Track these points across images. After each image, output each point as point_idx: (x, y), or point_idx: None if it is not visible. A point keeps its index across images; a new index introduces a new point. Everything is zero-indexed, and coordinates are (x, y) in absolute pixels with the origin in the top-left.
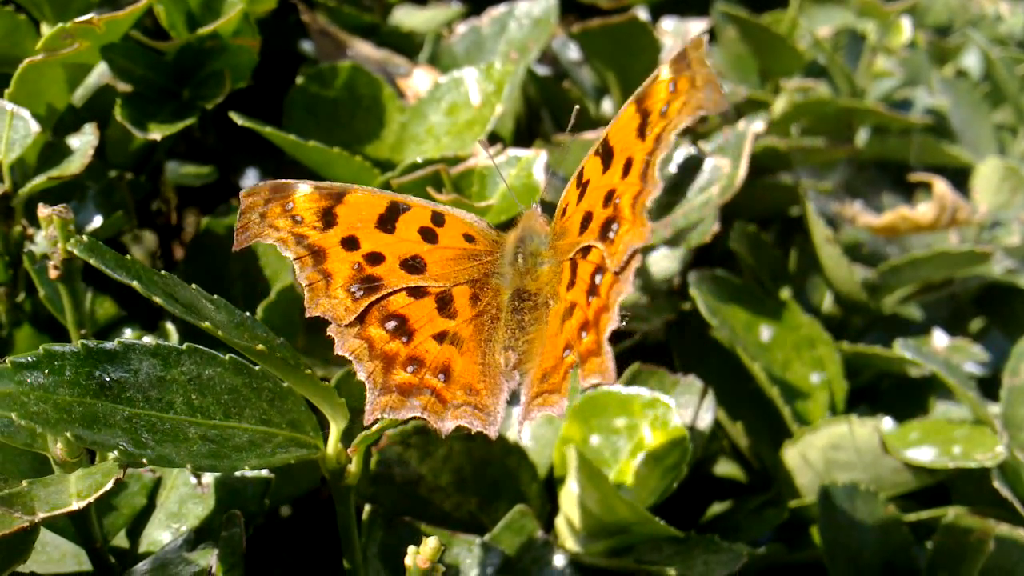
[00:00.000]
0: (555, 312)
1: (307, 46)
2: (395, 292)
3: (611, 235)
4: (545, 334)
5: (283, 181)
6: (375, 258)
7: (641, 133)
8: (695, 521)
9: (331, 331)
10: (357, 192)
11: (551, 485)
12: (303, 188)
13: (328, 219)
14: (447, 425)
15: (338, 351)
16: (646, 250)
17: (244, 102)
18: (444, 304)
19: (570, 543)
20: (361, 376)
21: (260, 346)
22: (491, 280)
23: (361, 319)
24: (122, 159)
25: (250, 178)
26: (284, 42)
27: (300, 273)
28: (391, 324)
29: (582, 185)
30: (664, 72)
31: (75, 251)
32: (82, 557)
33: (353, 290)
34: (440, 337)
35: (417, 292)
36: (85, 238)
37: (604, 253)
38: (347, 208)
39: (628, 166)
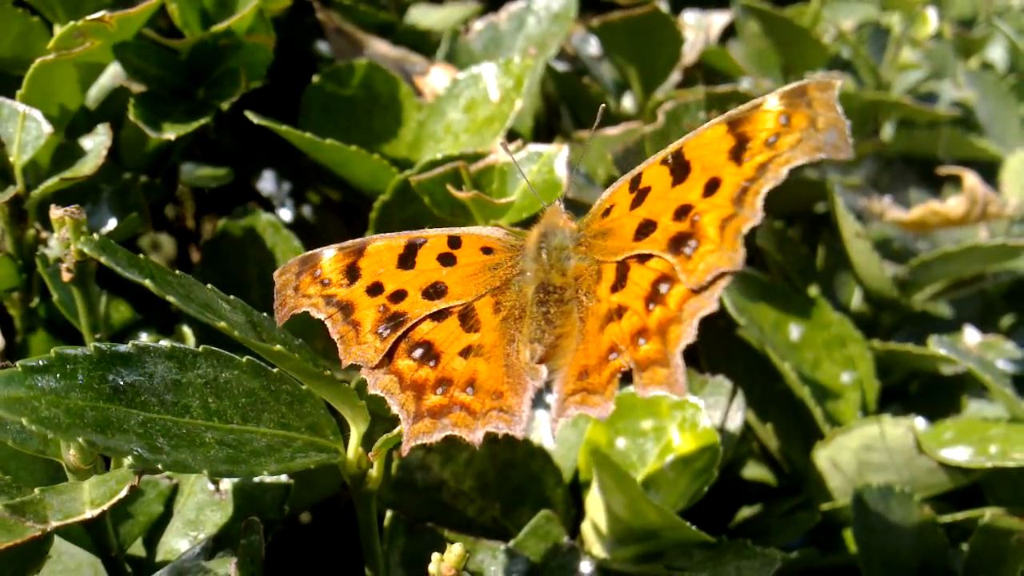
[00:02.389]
0: (594, 311)
1: (323, 47)
2: (419, 322)
3: (687, 251)
4: (580, 331)
5: (310, 253)
6: (398, 296)
7: (736, 158)
8: (724, 526)
9: (363, 374)
10: (376, 242)
11: (576, 490)
12: (328, 253)
13: (352, 274)
14: (477, 436)
15: (371, 391)
16: None
17: (260, 103)
18: (466, 318)
19: (597, 549)
20: (395, 409)
21: (278, 347)
22: (512, 282)
23: (389, 356)
24: (137, 161)
25: (267, 180)
26: (300, 43)
27: (332, 330)
28: (418, 352)
29: (639, 191)
30: (772, 103)
31: (86, 249)
32: (98, 566)
33: (381, 331)
34: (465, 352)
35: (439, 315)
36: (96, 236)
37: (676, 266)
38: (368, 259)
39: (714, 186)
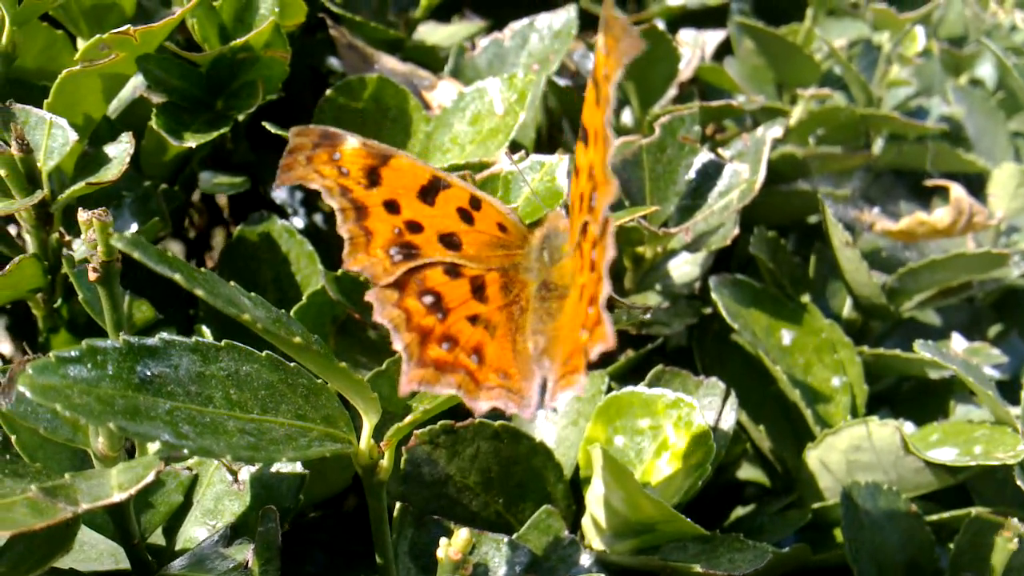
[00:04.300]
0: (571, 299)
1: (335, 62)
2: (432, 266)
3: (593, 204)
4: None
5: (332, 129)
6: (415, 226)
7: (597, 101)
8: (719, 524)
9: (369, 296)
10: (402, 158)
11: (576, 485)
12: (351, 141)
13: (373, 178)
14: (481, 405)
15: (376, 317)
16: (669, 255)
17: (274, 114)
18: (477, 288)
19: (596, 542)
20: (398, 346)
21: (297, 339)
22: (519, 271)
23: (400, 288)
24: (156, 169)
25: (280, 188)
26: (313, 58)
27: (342, 225)
28: (428, 299)
29: (576, 171)
30: (600, 39)
31: (119, 245)
32: (119, 555)
33: (392, 253)
34: (473, 319)
35: (453, 271)
36: (128, 233)
37: (590, 222)
38: (391, 172)
39: (595, 136)
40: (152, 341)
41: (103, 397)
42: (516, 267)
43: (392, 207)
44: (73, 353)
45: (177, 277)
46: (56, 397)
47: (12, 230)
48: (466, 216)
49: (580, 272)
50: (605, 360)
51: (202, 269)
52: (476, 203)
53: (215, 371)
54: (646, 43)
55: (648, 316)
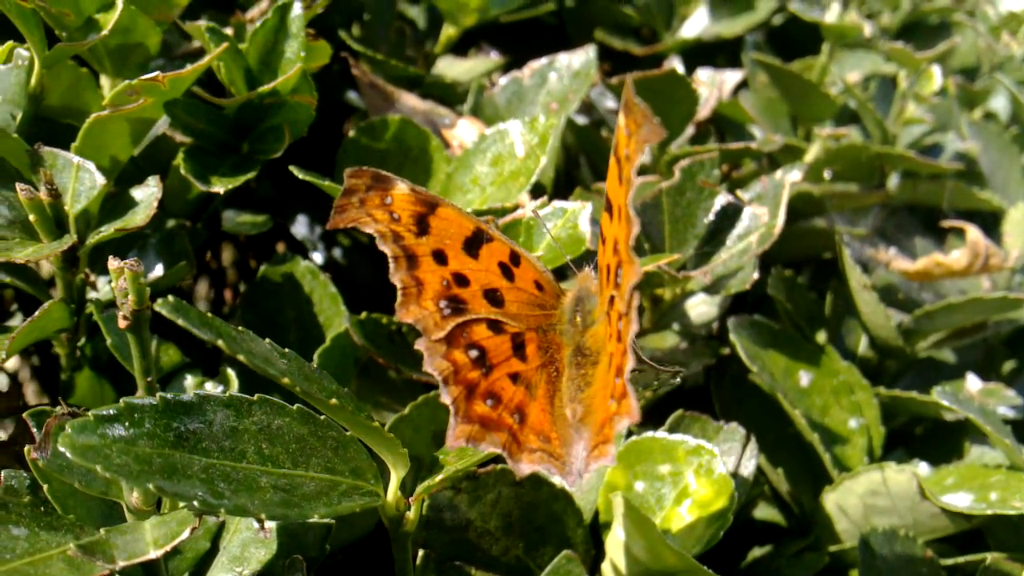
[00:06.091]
0: (602, 366)
1: (352, 95)
2: (478, 321)
3: (619, 280)
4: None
5: (384, 173)
6: (461, 279)
7: (620, 178)
8: (735, 565)
9: (420, 345)
10: (448, 207)
11: (596, 530)
12: (401, 186)
13: (422, 226)
14: (524, 468)
15: (426, 368)
16: (686, 295)
17: (293, 149)
18: (518, 346)
19: None
20: (446, 399)
21: (334, 400)
22: (555, 333)
23: (448, 341)
24: (180, 208)
25: (300, 224)
26: (330, 91)
27: (394, 273)
28: (473, 353)
29: (602, 239)
30: (621, 119)
31: (163, 311)
32: None
33: (442, 306)
34: (514, 377)
35: (496, 327)
36: (171, 299)
37: (615, 297)
38: (439, 220)
39: (618, 212)
40: (187, 397)
41: (141, 456)
42: (552, 328)
43: (440, 258)
44: (111, 412)
45: (220, 343)
46: (95, 458)
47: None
48: (507, 272)
49: (609, 340)
50: None
51: (240, 328)
52: (516, 259)
53: (248, 425)
54: (665, 132)
55: (678, 381)
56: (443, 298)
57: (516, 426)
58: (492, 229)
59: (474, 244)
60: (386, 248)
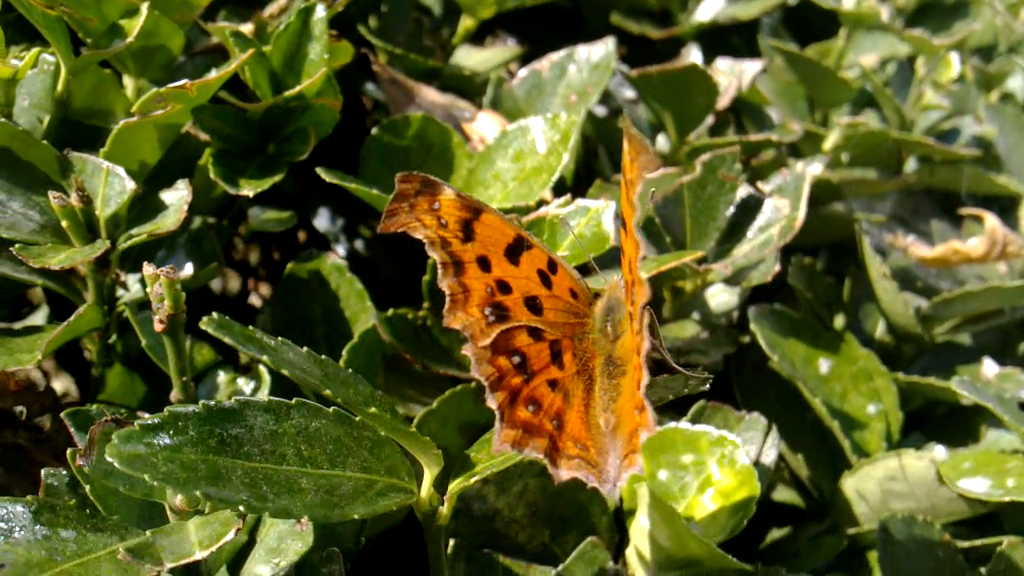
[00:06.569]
0: (629, 377)
1: (370, 87)
2: (519, 328)
3: (633, 298)
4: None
5: (432, 177)
6: (504, 287)
7: (628, 200)
8: (755, 546)
9: (467, 350)
10: (491, 214)
11: (620, 518)
12: (448, 192)
13: (467, 232)
14: (562, 474)
15: (473, 373)
16: (706, 286)
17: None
18: (556, 353)
19: (640, 574)
20: (491, 404)
21: (373, 409)
22: (588, 342)
23: (493, 347)
24: (206, 206)
25: (323, 217)
26: (349, 85)
27: (442, 279)
28: (516, 359)
29: (622, 254)
30: (625, 145)
31: (209, 329)
32: None
33: (487, 313)
34: (553, 385)
35: (536, 334)
36: (216, 316)
37: (629, 312)
38: (482, 227)
39: (629, 232)
40: (228, 404)
41: (186, 463)
42: (586, 336)
43: (484, 264)
44: (155, 421)
45: (265, 358)
46: (143, 466)
47: None
48: (545, 280)
49: (634, 353)
50: None
51: (280, 339)
52: (553, 266)
53: (287, 428)
54: (661, 162)
55: (707, 387)
56: (488, 305)
57: (555, 432)
58: (531, 236)
59: (515, 251)
60: (435, 254)
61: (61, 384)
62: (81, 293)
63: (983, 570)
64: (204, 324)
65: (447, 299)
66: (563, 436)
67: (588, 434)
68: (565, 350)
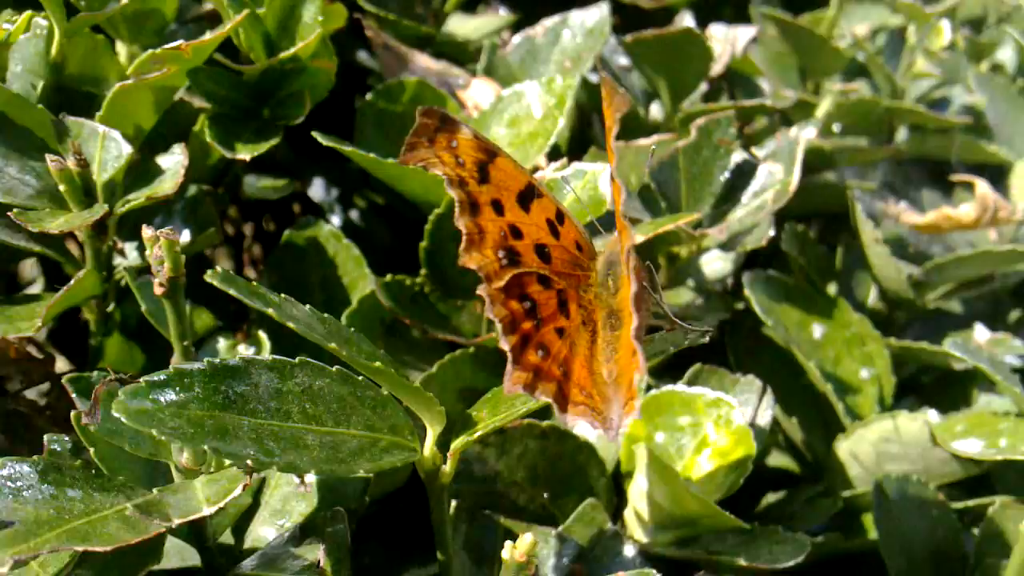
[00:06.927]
0: (627, 329)
1: (362, 55)
2: (530, 274)
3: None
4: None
5: (451, 115)
6: (516, 232)
7: (608, 146)
8: (751, 509)
9: (481, 291)
10: (505, 158)
11: (618, 480)
12: (466, 131)
13: (483, 174)
14: (569, 420)
15: (488, 314)
16: (700, 252)
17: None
18: (562, 302)
19: (639, 534)
20: (504, 346)
21: (377, 363)
22: (591, 294)
23: (507, 290)
24: (201, 173)
25: (317, 187)
26: (342, 53)
27: (459, 217)
28: (527, 304)
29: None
30: (603, 92)
31: (215, 282)
32: (186, 553)
33: (500, 255)
34: (560, 332)
35: (545, 282)
36: (220, 269)
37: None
38: (497, 171)
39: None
40: (234, 362)
41: (193, 419)
42: (589, 288)
43: (497, 207)
44: (161, 377)
45: (271, 311)
46: (150, 422)
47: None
48: (553, 229)
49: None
50: None
51: (283, 296)
52: (561, 217)
53: (291, 387)
54: (631, 100)
55: (706, 339)
56: (501, 248)
57: (563, 379)
58: (542, 185)
59: (527, 198)
60: (452, 192)
61: (57, 365)
62: (78, 261)
63: (976, 531)
64: (209, 276)
65: (463, 238)
66: (569, 383)
67: (592, 382)
68: (571, 300)
